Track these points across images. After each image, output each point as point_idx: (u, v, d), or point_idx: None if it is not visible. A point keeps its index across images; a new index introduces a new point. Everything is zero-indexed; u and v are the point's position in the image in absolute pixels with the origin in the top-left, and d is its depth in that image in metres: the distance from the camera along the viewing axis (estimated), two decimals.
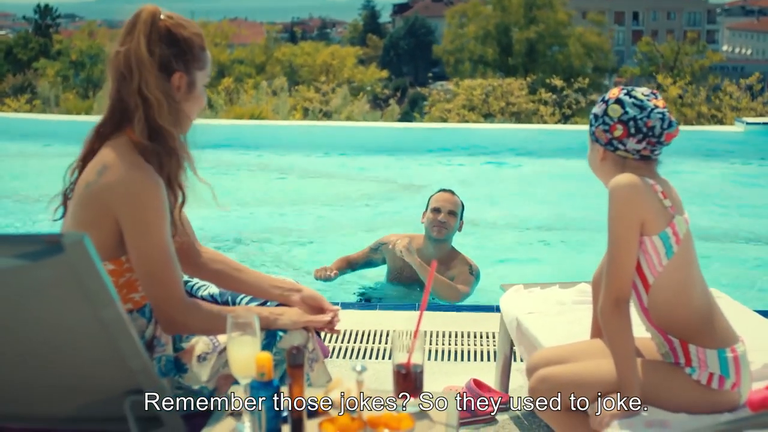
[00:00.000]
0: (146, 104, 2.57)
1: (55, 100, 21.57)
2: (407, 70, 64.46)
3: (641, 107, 2.78)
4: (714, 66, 41.30)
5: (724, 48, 79.74)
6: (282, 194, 9.93)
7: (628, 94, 2.82)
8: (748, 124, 12.60)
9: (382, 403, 2.34)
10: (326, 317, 2.88)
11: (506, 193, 9.64)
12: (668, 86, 20.11)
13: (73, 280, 1.97)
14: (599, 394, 2.76)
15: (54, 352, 2.22)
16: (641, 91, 2.84)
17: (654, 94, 2.85)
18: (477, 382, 3.82)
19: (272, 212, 9.01)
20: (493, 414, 3.72)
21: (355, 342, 4.67)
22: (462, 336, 4.75)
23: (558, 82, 21.66)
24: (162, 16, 2.64)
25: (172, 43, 2.64)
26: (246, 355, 2.24)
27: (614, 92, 2.86)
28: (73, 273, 1.95)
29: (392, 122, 18.38)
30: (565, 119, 20.99)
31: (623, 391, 2.68)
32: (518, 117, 20.87)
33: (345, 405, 2.23)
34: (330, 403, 2.31)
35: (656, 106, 2.80)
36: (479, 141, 11.73)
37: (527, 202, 9.29)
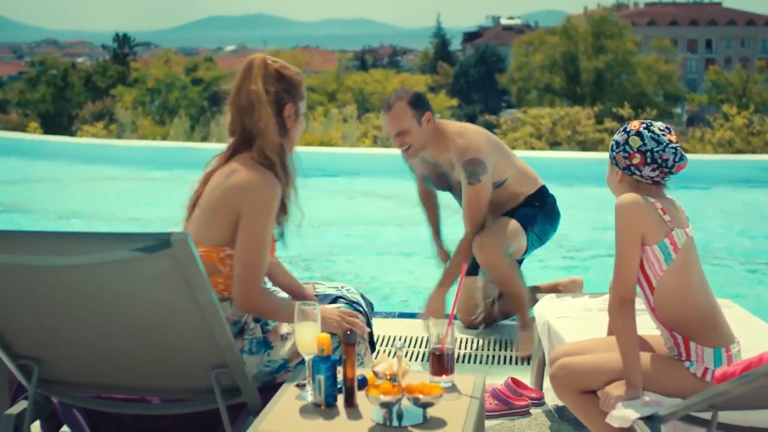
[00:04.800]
0: (262, 133, 3.22)
1: (131, 127, 22.31)
2: (477, 98, 64.95)
3: (658, 141, 3.27)
4: None
5: None
6: (348, 215, 10.51)
7: (647, 128, 3.31)
8: None
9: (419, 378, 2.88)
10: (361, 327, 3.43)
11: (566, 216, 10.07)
12: (734, 116, 20.33)
13: (178, 269, 2.55)
14: (608, 381, 3.27)
15: (157, 330, 2.80)
16: (658, 126, 3.33)
17: (668, 129, 3.35)
18: (515, 380, 4.32)
19: (339, 232, 9.60)
20: (527, 408, 4.22)
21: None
22: (503, 343, 5.22)
23: (625, 111, 21.93)
24: (269, 61, 3.33)
25: (281, 80, 3.31)
26: (309, 336, 2.81)
27: (635, 125, 3.35)
28: (178, 264, 2.53)
29: None
30: None
31: (627, 378, 3.18)
32: (584, 146, 21.21)
33: (388, 375, 2.77)
34: (377, 375, 2.84)
35: (671, 141, 3.29)
36: (544, 168, 12.18)
37: (583, 225, 9.70)
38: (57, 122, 42.98)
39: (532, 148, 20.47)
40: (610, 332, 3.60)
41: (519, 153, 14.43)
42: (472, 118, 39.18)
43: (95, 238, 2.55)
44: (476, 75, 67.67)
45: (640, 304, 3.33)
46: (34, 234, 2.64)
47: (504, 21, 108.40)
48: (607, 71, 45.56)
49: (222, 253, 3.18)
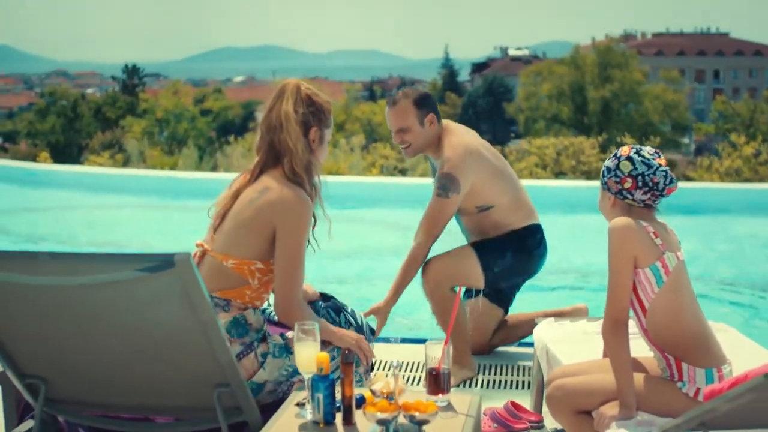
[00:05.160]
0: (291, 150, 3.41)
1: (140, 157, 22.44)
2: (485, 128, 65.11)
3: (648, 165, 3.36)
4: None
5: None
6: (353, 244, 10.59)
7: (637, 153, 3.40)
8: None
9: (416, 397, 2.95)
10: (369, 356, 3.57)
11: (567, 243, 10.19)
12: (741, 145, 20.38)
13: (180, 288, 2.63)
14: (603, 401, 3.33)
15: (160, 347, 2.88)
16: (648, 151, 3.42)
17: (658, 153, 3.43)
18: (514, 404, 4.37)
19: (345, 260, 9.68)
20: (526, 431, 4.28)
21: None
22: (503, 368, 5.27)
23: (629, 140, 22.02)
24: (302, 86, 3.54)
25: (311, 105, 3.52)
26: (309, 355, 2.88)
27: (625, 150, 3.43)
28: (181, 283, 2.62)
29: None
30: None
31: (621, 398, 3.25)
32: (589, 175, 21.26)
33: (385, 393, 2.84)
34: (374, 393, 2.91)
35: (660, 165, 3.37)
36: (548, 197, 12.33)
37: (585, 251, 9.77)
38: (66, 152, 43.24)
39: (537, 178, 20.54)
40: (605, 354, 3.67)
41: (523, 182, 14.67)
42: None
43: (101, 259, 2.65)
44: (484, 105, 67.91)
45: (633, 328, 3.41)
46: (41, 254, 2.72)
47: (512, 52, 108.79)
48: (614, 101, 45.75)
49: (253, 266, 3.36)
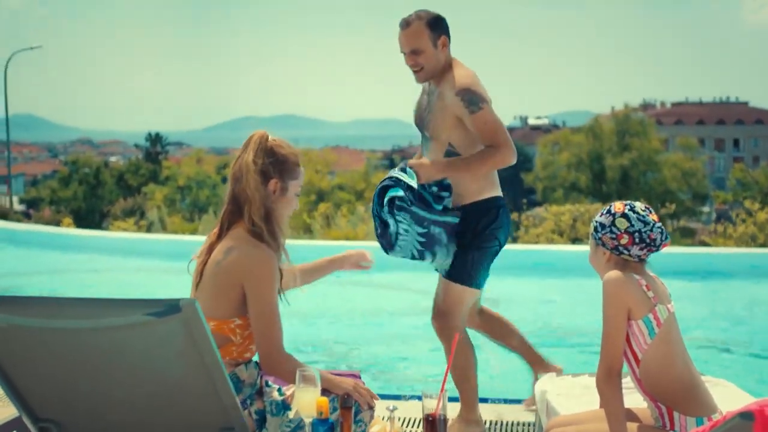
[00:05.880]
0: (250, 200, 3.50)
1: (161, 223, 22.63)
2: (506, 196, 65.27)
3: (644, 222, 3.49)
4: None
5: None
6: (366, 305, 10.73)
7: (632, 209, 3.53)
8: None
9: None
10: (368, 399, 3.54)
11: (585, 308, 10.28)
12: (756, 211, 20.42)
13: (186, 332, 2.78)
14: None
15: (168, 390, 3.01)
16: (640, 207, 3.55)
17: (649, 209, 3.56)
18: None
19: (358, 320, 9.82)
20: None
21: None
22: (506, 424, 5.35)
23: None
24: (269, 138, 3.60)
25: (271, 156, 3.56)
26: (309, 400, 3.02)
27: (619, 207, 3.55)
28: (187, 327, 2.76)
29: None
30: None
31: None
32: None
33: None
34: None
35: (654, 221, 3.51)
36: (564, 261, 12.49)
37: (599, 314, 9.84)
38: (89, 219, 43.61)
39: (553, 243, 20.62)
40: (601, 405, 3.78)
41: (540, 247, 14.81)
42: None
43: (111, 303, 2.80)
44: (503, 174, 67.74)
45: (629, 382, 3.53)
46: (56, 299, 2.88)
47: (532, 121, 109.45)
48: (632, 169, 45.87)
49: (232, 324, 3.43)
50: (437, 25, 4.80)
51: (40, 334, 2.86)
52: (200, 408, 3.03)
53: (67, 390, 3.04)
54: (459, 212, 4.81)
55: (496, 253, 4.93)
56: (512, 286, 11.45)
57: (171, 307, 2.71)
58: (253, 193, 3.51)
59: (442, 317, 4.89)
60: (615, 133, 47.04)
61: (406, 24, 4.79)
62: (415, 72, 4.83)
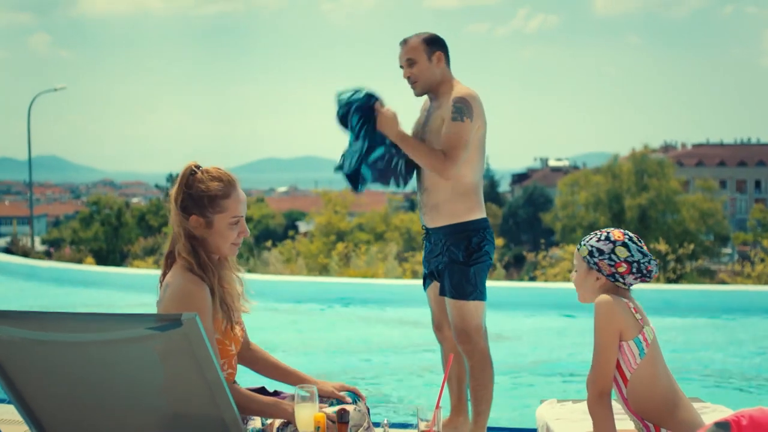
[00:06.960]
0: (175, 234, 3.47)
1: None
2: (526, 238, 65.34)
3: (643, 254, 3.60)
4: None
5: None
6: (380, 339, 10.82)
7: (631, 240, 3.63)
8: None
9: None
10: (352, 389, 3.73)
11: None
12: None
13: (187, 346, 2.89)
14: None
15: (171, 405, 3.11)
16: (636, 238, 3.66)
17: (641, 240, 3.66)
18: None
19: (371, 356, 9.91)
20: None
21: None
22: None
23: (662, 246, 22.05)
24: (197, 170, 3.47)
25: (190, 190, 3.43)
26: (307, 415, 3.12)
27: (618, 235, 3.64)
28: (188, 341, 2.87)
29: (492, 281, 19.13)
30: (669, 282, 21.40)
31: None
32: None
33: None
34: None
35: (650, 254, 3.62)
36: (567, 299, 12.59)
37: None
38: (110, 258, 43.82)
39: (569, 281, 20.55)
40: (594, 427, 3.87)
41: (555, 285, 14.86)
42: (519, 259, 39.45)
43: (115, 318, 2.92)
44: (524, 215, 68.27)
45: (620, 409, 3.62)
46: (64, 314, 3.00)
47: (552, 162, 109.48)
48: (650, 209, 45.85)
49: None
50: (433, 42, 5.06)
51: (48, 347, 2.97)
52: (201, 423, 3.13)
53: (74, 404, 3.14)
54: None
55: (489, 266, 5.18)
56: (526, 322, 11.55)
57: (172, 321, 2.82)
58: (177, 229, 3.43)
59: (467, 337, 5.08)
60: (633, 173, 47.10)
61: (404, 41, 5.06)
62: (411, 84, 5.07)
